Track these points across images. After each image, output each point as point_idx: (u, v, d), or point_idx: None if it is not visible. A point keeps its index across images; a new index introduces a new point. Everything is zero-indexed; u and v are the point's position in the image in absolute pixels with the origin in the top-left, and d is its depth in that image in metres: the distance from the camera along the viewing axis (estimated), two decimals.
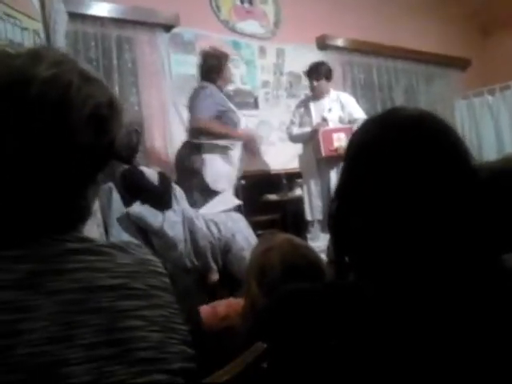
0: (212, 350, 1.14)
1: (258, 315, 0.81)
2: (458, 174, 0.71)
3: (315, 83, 3.81)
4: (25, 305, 0.60)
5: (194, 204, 3.01)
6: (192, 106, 3.22)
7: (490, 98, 5.28)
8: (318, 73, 3.81)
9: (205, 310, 1.34)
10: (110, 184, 2.67)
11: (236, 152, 3.28)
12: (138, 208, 2.62)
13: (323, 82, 3.83)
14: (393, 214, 0.69)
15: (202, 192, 3.10)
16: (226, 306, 1.31)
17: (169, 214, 2.71)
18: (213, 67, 3.31)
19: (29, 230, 0.66)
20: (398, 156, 0.70)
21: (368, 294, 0.68)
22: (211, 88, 3.26)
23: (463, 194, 0.70)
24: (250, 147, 3.37)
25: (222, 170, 3.18)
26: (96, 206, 2.34)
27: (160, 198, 2.69)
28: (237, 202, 3.12)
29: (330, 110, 3.82)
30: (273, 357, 0.69)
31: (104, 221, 2.56)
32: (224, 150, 3.23)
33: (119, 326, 0.64)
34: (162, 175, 2.93)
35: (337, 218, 0.76)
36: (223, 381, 0.63)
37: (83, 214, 0.73)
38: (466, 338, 0.63)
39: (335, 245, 0.77)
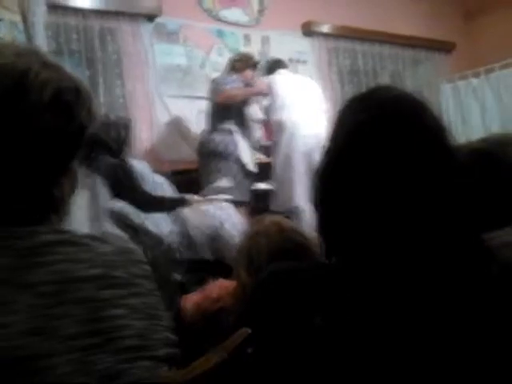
0: (206, 332, 1.15)
1: (247, 301, 0.81)
2: (437, 152, 0.72)
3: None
4: (3, 299, 0.60)
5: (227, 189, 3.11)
6: (214, 88, 3.34)
7: (474, 80, 5.29)
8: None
9: (197, 294, 1.34)
10: (97, 177, 2.65)
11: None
12: (119, 204, 2.61)
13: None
14: (373, 194, 0.69)
15: (238, 175, 3.22)
16: (218, 288, 1.32)
17: None
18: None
19: (2, 221, 0.66)
20: (378, 138, 0.71)
21: (351, 273, 0.69)
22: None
23: (442, 173, 0.71)
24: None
25: (249, 152, 3.35)
26: (84, 199, 2.34)
27: (143, 203, 2.67)
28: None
29: None
30: (258, 341, 0.70)
31: (91, 215, 2.56)
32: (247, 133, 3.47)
33: (101, 315, 0.64)
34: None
35: (320, 200, 0.77)
36: (208, 367, 0.63)
37: (57, 205, 0.73)
38: (444, 313, 0.63)
39: (320, 226, 0.77)
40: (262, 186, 3.76)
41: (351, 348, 0.63)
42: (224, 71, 3.65)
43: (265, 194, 3.67)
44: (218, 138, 3.31)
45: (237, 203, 3.11)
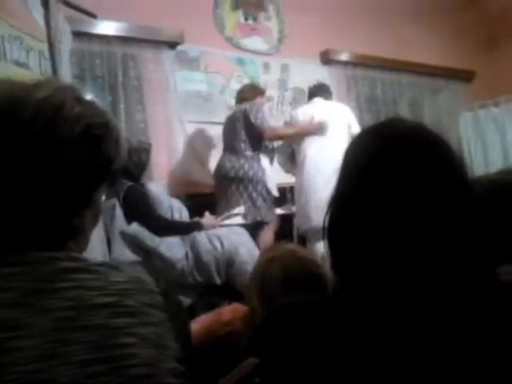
0: (216, 355, 1.14)
1: (255, 329, 0.81)
2: (452, 184, 0.71)
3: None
4: (18, 323, 0.61)
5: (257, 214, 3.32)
6: (259, 118, 3.44)
7: (495, 109, 5.27)
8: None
9: (209, 316, 1.33)
10: (114, 200, 2.68)
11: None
12: (134, 228, 2.63)
13: None
14: (384, 227, 0.69)
15: (265, 201, 3.37)
16: (230, 311, 1.31)
17: None
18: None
19: (20, 245, 0.67)
20: (391, 168, 0.71)
21: (361, 309, 0.68)
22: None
23: (456, 205, 0.70)
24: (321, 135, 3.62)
25: (273, 179, 3.52)
26: (99, 221, 2.36)
27: (158, 227, 2.70)
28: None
29: None
30: (265, 371, 0.69)
31: (107, 237, 2.58)
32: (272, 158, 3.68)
33: (111, 343, 0.64)
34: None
35: (330, 230, 0.76)
36: None
37: (76, 234, 0.74)
38: (455, 349, 0.62)
39: (330, 257, 0.77)
40: (279, 210, 3.92)
41: (356, 381, 0.62)
42: (236, 102, 3.71)
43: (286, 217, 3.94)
44: (247, 164, 3.39)
45: (264, 223, 3.36)
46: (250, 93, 3.63)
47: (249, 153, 3.44)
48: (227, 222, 3.05)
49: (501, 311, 0.66)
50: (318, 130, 3.60)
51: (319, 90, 3.90)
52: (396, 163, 0.71)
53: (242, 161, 3.41)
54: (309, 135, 3.63)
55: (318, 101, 3.82)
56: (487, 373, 0.61)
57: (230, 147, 3.52)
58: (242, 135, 3.46)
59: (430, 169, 0.71)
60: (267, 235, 3.37)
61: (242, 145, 3.45)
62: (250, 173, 3.37)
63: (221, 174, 3.47)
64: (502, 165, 4.70)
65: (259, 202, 3.36)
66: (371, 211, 0.70)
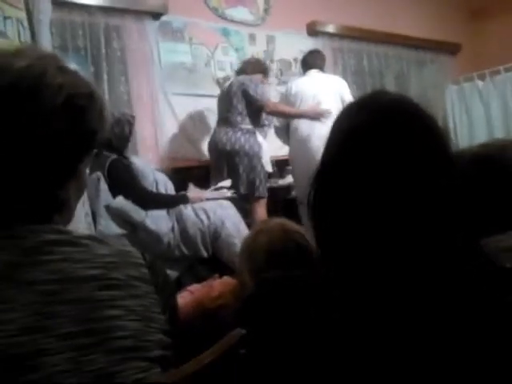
0: (206, 329, 1.15)
1: (242, 301, 0.81)
2: (434, 157, 0.71)
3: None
4: (2, 296, 0.60)
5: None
6: (259, 92, 3.44)
7: (480, 83, 5.28)
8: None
9: (200, 289, 1.35)
10: (99, 173, 2.66)
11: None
12: (120, 201, 2.62)
13: None
14: (366, 199, 0.69)
15: (259, 175, 3.37)
16: (220, 285, 1.32)
17: None
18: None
19: (4, 218, 0.67)
20: (375, 141, 0.71)
21: (344, 283, 0.69)
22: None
23: (438, 178, 0.70)
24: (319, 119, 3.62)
25: (268, 154, 3.52)
26: (84, 195, 2.34)
27: (143, 200, 2.69)
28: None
29: None
30: (251, 343, 0.70)
31: (92, 210, 2.56)
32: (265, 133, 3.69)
33: (97, 315, 0.64)
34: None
35: (315, 203, 0.77)
36: (199, 367, 0.64)
37: (61, 207, 0.73)
38: (437, 322, 0.63)
39: (314, 230, 0.77)
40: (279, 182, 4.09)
41: (342, 354, 0.63)
42: (235, 73, 3.73)
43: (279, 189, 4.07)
44: (243, 137, 3.38)
45: (259, 198, 3.40)
46: (250, 67, 3.63)
47: (245, 126, 3.43)
48: (215, 195, 3.05)
49: (481, 285, 0.67)
50: (321, 116, 3.60)
51: (315, 60, 3.89)
52: (380, 136, 0.71)
53: (239, 134, 3.39)
54: (310, 119, 3.62)
55: (314, 73, 3.81)
56: (467, 343, 0.63)
57: (225, 120, 3.49)
58: (239, 108, 3.44)
59: (414, 142, 0.71)
60: (260, 210, 3.40)
61: (239, 118, 3.43)
62: (246, 146, 3.37)
63: (216, 148, 3.45)
64: (486, 138, 4.74)
65: (253, 176, 3.37)
66: (354, 184, 0.70)
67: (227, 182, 3.22)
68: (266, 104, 3.47)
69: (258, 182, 3.38)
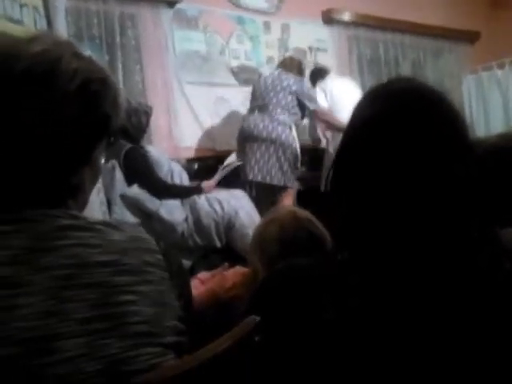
0: (219, 319, 1.15)
1: (256, 289, 0.82)
2: (453, 146, 0.71)
3: None
4: (19, 280, 0.61)
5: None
6: (314, 98, 3.65)
7: (499, 72, 5.18)
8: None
9: (210, 278, 1.35)
10: (114, 162, 2.67)
11: None
12: (135, 191, 2.63)
13: None
14: (385, 187, 0.69)
15: (291, 167, 3.42)
16: (233, 275, 1.32)
17: None
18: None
19: (19, 203, 0.67)
20: (392, 128, 0.70)
21: (360, 269, 0.69)
22: None
23: (456, 166, 0.69)
24: None
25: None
26: (99, 184, 2.36)
27: (157, 190, 2.70)
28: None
29: None
30: (265, 330, 0.70)
31: (107, 199, 2.58)
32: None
33: (112, 300, 0.65)
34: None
35: (332, 190, 0.76)
36: (214, 353, 0.64)
37: (75, 192, 0.74)
38: (454, 312, 0.63)
39: (330, 217, 0.77)
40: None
41: (357, 342, 0.63)
42: (277, 67, 3.75)
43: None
44: (280, 127, 3.40)
45: (287, 188, 3.43)
46: (294, 65, 3.69)
47: (282, 117, 3.42)
48: (224, 173, 3.07)
49: (495, 274, 0.67)
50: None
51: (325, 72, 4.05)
52: (397, 123, 0.70)
53: (275, 123, 3.39)
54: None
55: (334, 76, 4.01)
56: (481, 333, 0.62)
57: (263, 108, 3.45)
58: (282, 102, 3.44)
59: (432, 129, 0.70)
60: (288, 200, 3.39)
61: (279, 109, 3.42)
62: (283, 136, 3.37)
63: (252, 134, 3.40)
64: (503, 128, 4.66)
65: (285, 167, 3.37)
66: (371, 170, 0.70)
67: (232, 158, 3.22)
68: (317, 110, 3.65)
69: (289, 173, 3.40)
